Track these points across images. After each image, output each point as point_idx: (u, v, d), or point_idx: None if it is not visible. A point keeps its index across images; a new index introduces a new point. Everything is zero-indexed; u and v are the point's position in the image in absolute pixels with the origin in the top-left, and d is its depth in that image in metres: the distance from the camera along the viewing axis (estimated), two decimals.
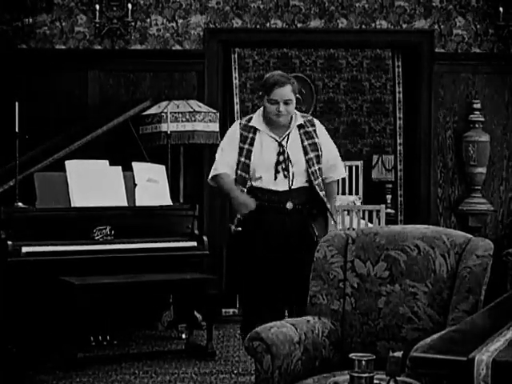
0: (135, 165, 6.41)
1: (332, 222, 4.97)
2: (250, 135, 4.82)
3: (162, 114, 6.79)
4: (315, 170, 4.83)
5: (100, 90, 7.24)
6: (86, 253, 5.95)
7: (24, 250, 5.75)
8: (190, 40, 7.30)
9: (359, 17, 7.35)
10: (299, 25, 7.35)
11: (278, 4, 7.35)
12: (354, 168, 11.23)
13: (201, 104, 7.02)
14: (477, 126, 7.33)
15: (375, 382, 2.67)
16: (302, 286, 4.70)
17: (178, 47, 7.30)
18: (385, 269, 3.76)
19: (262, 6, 7.33)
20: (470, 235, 3.81)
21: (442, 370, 2.53)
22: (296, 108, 4.91)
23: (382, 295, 3.73)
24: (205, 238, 6.35)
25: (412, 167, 7.71)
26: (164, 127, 6.74)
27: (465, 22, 7.37)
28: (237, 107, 8.31)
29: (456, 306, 3.55)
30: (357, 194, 11.26)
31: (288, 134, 4.83)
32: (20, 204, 5.99)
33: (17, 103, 6.01)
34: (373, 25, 7.36)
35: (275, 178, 4.78)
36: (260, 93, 4.91)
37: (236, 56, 8.23)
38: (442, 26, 7.37)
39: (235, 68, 8.26)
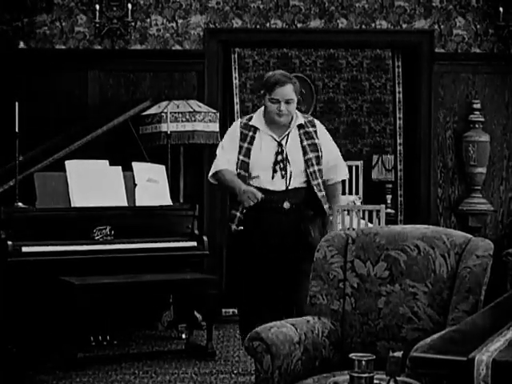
0: (135, 165, 6.41)
1: (329, 223, 4.94)
2: (250, 134, 4.81)
3: (162, 114, 6.79)
4: (314, 171, 4.81)
5: (100, 90, 7.24)
6: (86, 253, 5.95)
7: (24, 249, 5.76)
8: (189, 40, 7.30)
9: (359, 17, 7.35)
10: (299, 25, 7.35)
11: (278, 4, 7.35)
12: (353, 168, 11.22)
13: (201, 104, 7.03)
14: (477, 126, 7.33)
15: (375, 382, 2.67)
16: (297, 287, 4.70)
17: (177, 47, 7.30)
18: (385, 269, 3.76)
19: (261, 6, 7.34)
20: (470, 235, 3.81)
21: (441, 370, 2.53)
22: (296, 108, 4.90)
23: (382, 295, 3.73)
24: (205, 238, 6.35)
25: (412, 167, 7.71)
26: (164, 127, 6.74)
27: (465, 22, 7.37)
28: (237, 107, 8.31)
29: (456, 306, 3.55)
30: (357, 194, 11.26)
31: (288, 134, 4.82)
32: (20, 204, 5.99)
33: (17, 103, 6.01)
34: (373, 25, 7.36)
35: (272, 177, 4.76)
36: (261, 92, 4.88)
37: (236, 56, 8.24)
38: (442, 26, 7.37)
39: (235, 68, 8.26)
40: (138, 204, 6.30)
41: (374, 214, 7.90)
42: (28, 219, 5.91)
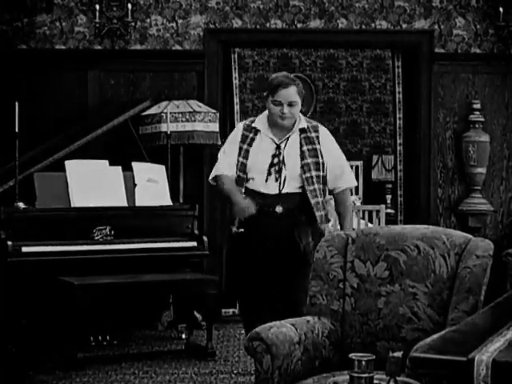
0: (135, 165, 6.42)
1: (326, 230, 4.84)
2: (251, 135, 4.77)
3: (162, 114, 6.79)
4: (311, 176, 4.68)
5: (100, 90, 7.24)
6: (86, 253, 5.95)
7: (24, 249, 5.76)
8: (189, 40, 7.31)
9: (359, 17, 7.35)
10: (299, 25, 7.35)
11: (278, 4, 7.35)
12: (353, 168, 11.22)
13: (201, 104, 7.02)
14: (477, 126, 7.33)
15: (375, 382, 2.67)
16: (294, 288, 4.67)
17: (177, 47, 7.31)
18: (385, 269, 3.76)
19: (261, 6, 7.34)
20: (469, 235, 3.81)
21: (441, 370, 2.53)
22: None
23: (382, 295, 3.73)
24: (205, 238, 6.35)
25: (412, 167, 7.71)
26: (164, 127, 6.74)
27: (465, 22, 7.37)
28: (237, 107, 8.31)
29: (456, 307, 3.55)
30: (357, 194, 11.25)
31: (288, 138, 4.76)
32: (20, 204, 5.99)
33: (17, 103, 6.01)
34: (373, 25, 7.36)
35: (266, 180, 4.69)
36: (265, 93, 4.81)
37: (236, 56, 8.24)
38: (441, 26, 7.37)
39: (235, 68, 8.27)
40: (137, 204, 6.30)
41: (374, 214, 7.91)
42: (28, 219, 5.91)
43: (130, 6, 7.11)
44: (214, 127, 6.91)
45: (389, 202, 11.00)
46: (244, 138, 4.77)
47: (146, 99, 7.06)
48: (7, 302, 5.76)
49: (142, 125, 6.92)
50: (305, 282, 4.22)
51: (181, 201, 6.85)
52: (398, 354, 2.82)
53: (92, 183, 6.18)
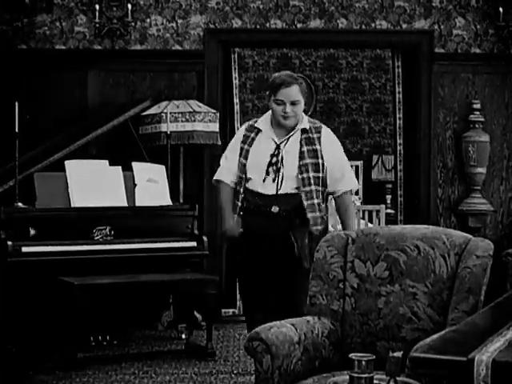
0: (135, 165, 6.42)
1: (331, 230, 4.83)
2: (252, 135, 4.75)
3: (162, 114, 6.79)
4: (308, 177, 4.62)
5: (100, 90, 7.24)
6: (86, 253, 5.95)
7: (24, 249, 5.76)
8: (189, 40, 7.30)
9: (359, 17, 7.35)
10: (299, 25, 7.35)
11: (278, 4, 7.35)
12: (353, 168, 11.21)
13: (201, 104, 7.02)
14: (477, 126, 7.33)
15: (375, 382, 2.67)
16: (293, 289, 4.66)
17: (177, 47, 7.30)
18: (385, 269, 3.76)
19: (261, 6, 7.34)
20: (469, 235, 3.81)
21: (441, 370, 2.53)
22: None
23: (382, 295, 3.73)
24: (205, 238, 6.35)
25: (412, 167, 7.71)
26: (164, 127, 6.74)
27: (465, 22, 7.37)
28: (237, 107, 8.30)
29: (456, 307, 3.55)
30: (357, 194, 11.24)
31: (289, 137, 4.74)
32: (20, 204, 5.99)
33: (17, 103, 6.01)
34: (373, 25, 7.36)
35: (264, 179, 4.66)
36: (267, 93, 4.77)
37: (236, 56, 8.23)
38: (441, 26, 7.37)
39: (235, 68, 8.26)
40: (137, 204, 6.30)
41: (374, 214, 7.91)
42: (28, 219, 5.91)
43: (129, 6, 7.11)
44: (214, 127, 6.91)
45: (389, 202, 11.00)
46: (245, 139, 4.76)
47: (145, 99, 7.06)
48: (7, 301, 5.76)
49: (142, 125, 6.92)
50: (304, 283, 4.20)
51: (181, 201, 6.85)
52: (398, 354, 2.82)
53: (92, 183, 6.18)
